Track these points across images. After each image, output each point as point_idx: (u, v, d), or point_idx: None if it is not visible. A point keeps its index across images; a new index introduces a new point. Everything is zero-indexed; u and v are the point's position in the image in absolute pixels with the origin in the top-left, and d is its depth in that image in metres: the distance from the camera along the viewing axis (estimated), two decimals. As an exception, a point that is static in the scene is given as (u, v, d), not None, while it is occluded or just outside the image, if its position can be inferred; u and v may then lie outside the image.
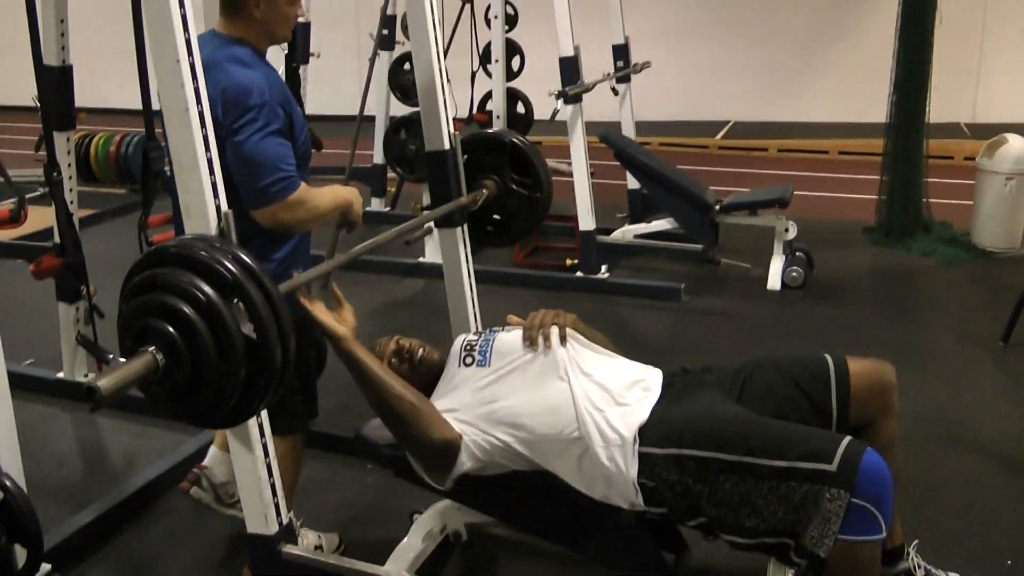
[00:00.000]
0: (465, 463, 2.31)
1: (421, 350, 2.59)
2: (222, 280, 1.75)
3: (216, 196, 1.99)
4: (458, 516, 2.84)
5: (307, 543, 3.05)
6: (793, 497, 2.02)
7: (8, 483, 2.48)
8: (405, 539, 2.74)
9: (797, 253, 5.42)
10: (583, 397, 2.29)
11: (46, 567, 2.69)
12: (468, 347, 2.51)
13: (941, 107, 6.56)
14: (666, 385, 2.40)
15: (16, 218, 2.31)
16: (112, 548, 3.01)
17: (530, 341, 2.41)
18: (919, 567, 2.61)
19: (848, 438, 2.04)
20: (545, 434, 2.28)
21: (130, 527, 3.11)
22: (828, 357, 2.40)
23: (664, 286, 5.34)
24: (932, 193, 6.26)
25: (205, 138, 1.96)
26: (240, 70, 2.36)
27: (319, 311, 2.27)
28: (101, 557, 2.96)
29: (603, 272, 5.58)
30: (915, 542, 2.66)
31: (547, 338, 2.40)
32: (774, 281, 5.33)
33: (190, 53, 1.91)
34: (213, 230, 1.97)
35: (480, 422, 2.33)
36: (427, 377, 2.53)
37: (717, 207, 5.50)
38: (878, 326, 4.77)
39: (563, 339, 2.42)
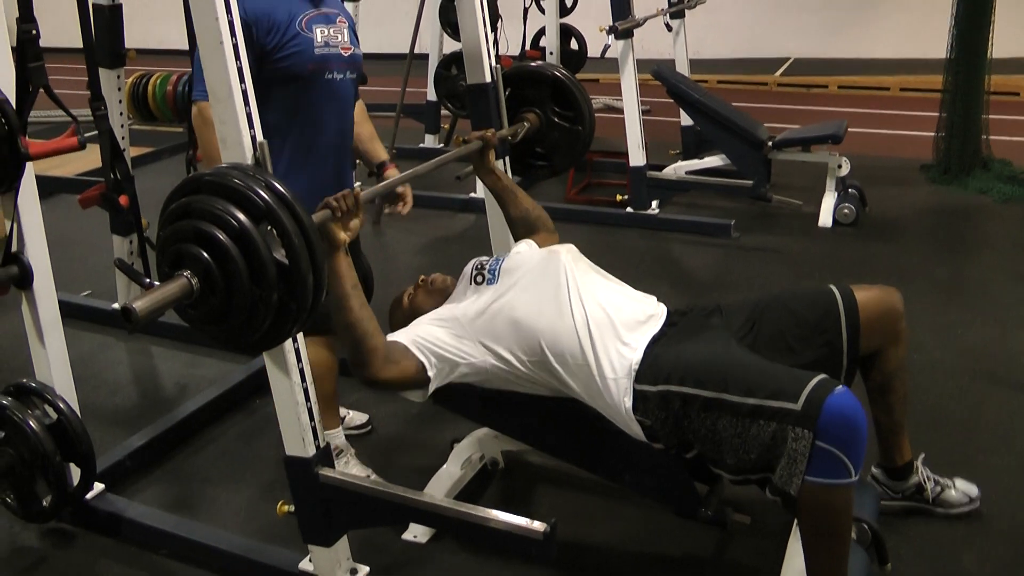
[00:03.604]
0: (438, 384, 2.34)
1: (436, 276, 2.67)
2: (254, 207, 1.80)
3: (251, 127, 2.02)
4: (495, 444, 2.89)
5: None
6: (763, 435, 2.02)
7: (62, 405, 2.59)
8: (444, 466, 2.81)
9: (850, 190, 5.34)
10: (585, 325, 2.30)
11: (99, 486, 2.80)
12: (479, 267, 2.54)
13: (1007, 41, 6.39)
14: (669, 324, 2.40)
15: (83, 145, 2.43)
16: (162, 471, 3.11)
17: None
18: (928, 479, 2.66)
19: (818, 378, 2.01)
20: (547, 356, 2.31)
21: (180, 451, 3.21)
22: (834, 288, 2.40)
23: (714, 222, 5.31)
24: (994, 130, 6.11)
25: (239, 70, 1.98)
26: None
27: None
28: (152, 479, 3.06)
29: (654, 208, 5.56)
30: (922, 455, 2.70)
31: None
32: (825, 218, 5.26)
33: (224, -15, 1.94)
34: (248, 159, 2.01)
35: (482, 340, 2.35)
36: (438, 297, 2.60)
37: (770, 143, 5.43)
38: (929, 263, 4.71)
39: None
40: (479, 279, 2.50)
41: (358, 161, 2.97)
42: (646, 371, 2.23)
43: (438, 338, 2.35)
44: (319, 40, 2.61)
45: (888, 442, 2.59)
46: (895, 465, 2.62)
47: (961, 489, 2.67)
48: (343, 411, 3.26)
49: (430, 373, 2.31)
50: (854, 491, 2.01)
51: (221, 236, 1.78)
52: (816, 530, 2.06)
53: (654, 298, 2.52)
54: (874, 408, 2.52)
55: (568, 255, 2.50)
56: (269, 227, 1.81)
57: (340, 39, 2.69)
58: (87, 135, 2.63)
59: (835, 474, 1.95)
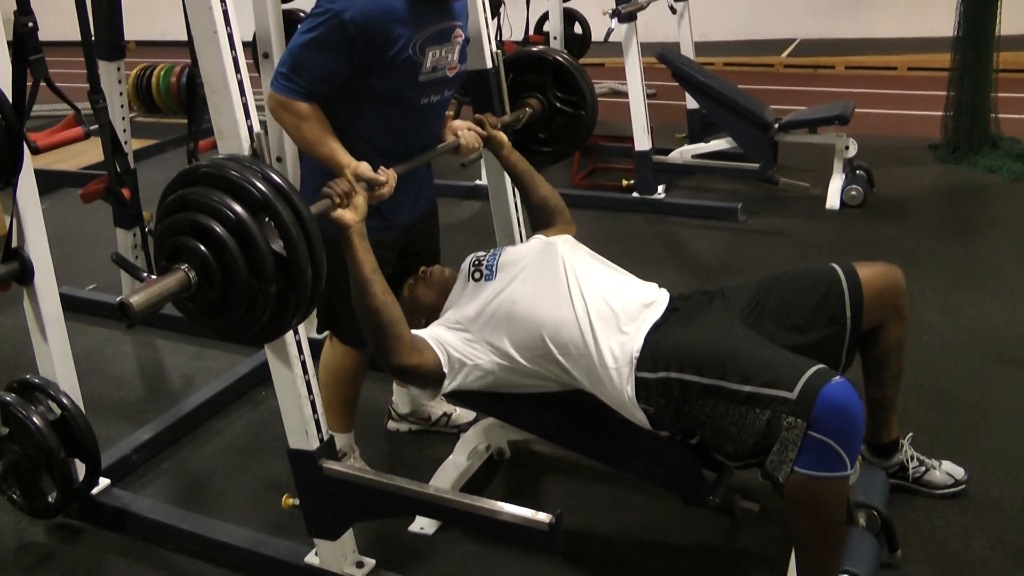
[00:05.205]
0: (451, 385, 2.31)
1: (435, 268, 2.66)
2: (251, 198, 1.79)
3: (248, 117, 2.00)
4: (502, 434, 2.88)
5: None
6: (759, 423, 2.01)
7: (65, 400, 2.58)
8: (450, 456, 2.79)
9: (857, 171, 5.30)
10: (586, 315, 2.28)
11: (105, 481, 2.80)
12: (476, 263, 2.51)
13: (1016, 18, 6.31)
14: (671, 310, 2.38)
15: (88, 135, 2.42)
16: (169, 465, 3.11)
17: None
18: (912, 458, 2.66)
19: (815, 367, 2.00)
20: (549, 348, 2.29)
21: (186, 444, 3.20)
22: (837, 267, 2.39)
23: (721, 206, 5.28)
24: (1003, 108, 6.04)
25: (235, 60, 1.97)
26: None
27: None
28: (158, 473, 3.06)
29: (660, 192, 5.53)
30: (909, 434, 2.70)
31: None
32: (833, 200, 5.22)
33: (217, -24, 1.92)
34: (246, 150, 2.00)
35: (486, 339, 2.33)
36: (437, 289, 2.58)
37: (776, 125, 5.39)
38: (937, 243, 4.67)
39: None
40: (476, 276, 2.47)
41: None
42: (646, 358, 2.21)
43: (449, 342, 2.33)
44: (427, 66, 2.45)
45: (877, 418, 2.57)
46: (881, 442, 2.61)
47: (946, 471, 2.67)
48: (448, 407, 3.16)
49: (444, 370, 2.29)
50: (847, 484, 2.00)
51: (218, 228, 1.77)
52: (806, 522, 2.04)
53: (655, 285, 2.50)
54: (867, 383, 2.52)
55: (565, 244, 2.49)
56: (267, 218, 1.80)
57: (449, 59, 2.53)
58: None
59: (828, 466, 1.94)
